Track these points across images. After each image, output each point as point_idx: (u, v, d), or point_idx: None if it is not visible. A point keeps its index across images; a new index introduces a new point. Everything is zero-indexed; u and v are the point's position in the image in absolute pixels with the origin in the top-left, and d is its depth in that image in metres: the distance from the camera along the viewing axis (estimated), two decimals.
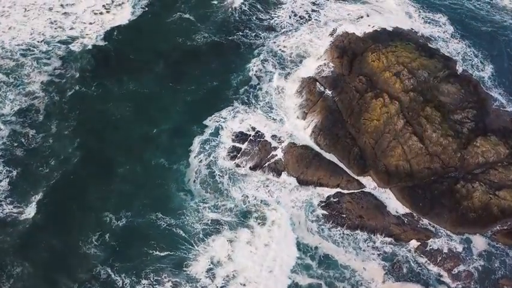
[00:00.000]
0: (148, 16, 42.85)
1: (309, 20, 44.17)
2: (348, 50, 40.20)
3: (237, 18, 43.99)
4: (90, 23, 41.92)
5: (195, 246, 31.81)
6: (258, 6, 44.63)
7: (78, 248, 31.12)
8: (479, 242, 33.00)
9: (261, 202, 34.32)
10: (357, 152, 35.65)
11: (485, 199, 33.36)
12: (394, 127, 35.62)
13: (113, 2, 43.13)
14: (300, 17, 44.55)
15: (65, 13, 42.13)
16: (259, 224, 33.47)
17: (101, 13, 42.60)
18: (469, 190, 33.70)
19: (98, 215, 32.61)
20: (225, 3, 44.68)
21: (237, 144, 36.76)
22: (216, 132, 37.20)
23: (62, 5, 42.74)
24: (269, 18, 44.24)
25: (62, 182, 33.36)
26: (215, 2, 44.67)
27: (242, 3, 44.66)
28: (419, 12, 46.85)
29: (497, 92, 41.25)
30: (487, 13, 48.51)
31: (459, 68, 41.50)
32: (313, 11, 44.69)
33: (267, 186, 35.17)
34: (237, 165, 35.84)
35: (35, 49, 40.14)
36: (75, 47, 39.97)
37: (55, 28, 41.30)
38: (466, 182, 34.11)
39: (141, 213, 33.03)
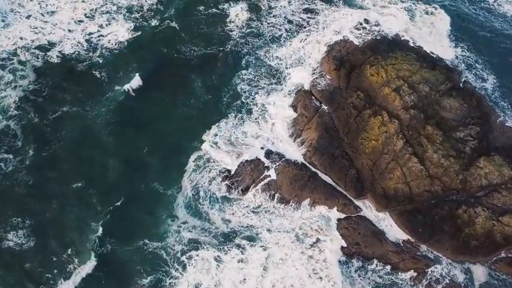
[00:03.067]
0: (136, 27, 40.16)
1: (304, 27, 41.60)
2: (345, 62, 38.01)
3: (230, 27, 41.43)
4: (70, 31, 39.30)
5: (176, 272, 30.57)
6: (250, 14, 41.93)
7: (56, 276, 29.66)
8: (481, 272, 31.59)
9: (252, 226, 32.70)
10: (354, 174, 33.83)
11: (488, 225, 31.79)
12: (393, 147, 33.79)
13: (96, 10, 40.37)
14: (294, 24, 41.92)
15: (45, 21, 39.51)
16: (250, 247, 31.90)
17: (81, 21, 39.91)
18: (471, 216, 32.12)
19: (81, 241, 31.04)
20: (216, 12, 42.10)
21: (229, 164, 34.81)
22: (207, 152, 35.22)
23: (42, 14, 40.11)
24: (262, 27, 41.66)
25: (43, 206, 31.72)
26: (202, 10, 42.02)
27: (234, 12, 42.12)
28: (420, 16, 44.55)
29: (501, 105, 39.45)
30: (485, 19, 46.33)
31: (462, 79, 39.51)
32: (308, 18, 42.06)
33: (258, 209, 33.47)
34: (228, 187, 34.07)
35: (14, 58, 37.77)
36: (54, 58, 37.45)
37: (34, 37, 38.71)
38: (468, 206, 32.49)
39: (126, 240, 31.49)
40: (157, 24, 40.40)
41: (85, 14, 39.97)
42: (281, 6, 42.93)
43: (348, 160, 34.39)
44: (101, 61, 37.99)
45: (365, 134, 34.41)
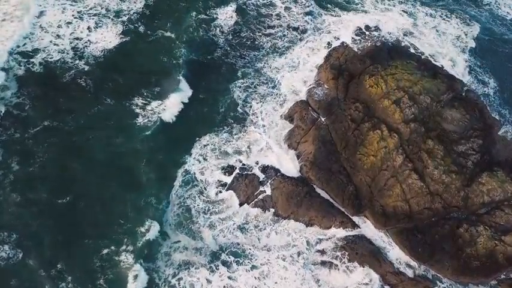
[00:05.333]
0: (124, 32, 37.99)
1: (302, 34, 39.80)
2: (343, 71, 36.43)
3: (223, 34, 39.42)
4: (58, 35, 37.20)
5: None
6: (246, 21, 39.90)
7: None
8: None
9: (244, 244, 31.48)
10: (351, 191, 32.55)
11: (490, 245, 30.78)
12: (392, 163, 32.51)
13: (83, 16, 38.29)
14: (291, 30, 40.07)
15: (33, 24, 37.35)
16: (243, 266, 30.79)
17: (70, 23, 37.80)
18: (473, 235, 31.07)
19: (70, 257, 29.58)
20: (208, 18, 40.10)
21: (222, 178, 33.55)
22: (200, 164, 33.71)
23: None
24: (258, 34, 39.75)
25: (28, 220, 30.07)
26: (194, 16, 39.84)
27: (229, 18, 40.07)
28: (422, 20, 42.97)
29: (504, 114, 38.22)
30: (485, 22, 44.80)
31: (464, 87, 38.13)
32: (306, 23, 40.25)
33: (252, 226, 32.23)
34: (221, 203, 32.75)
35: None
36: (37, 66, 35.24)
37: (18, 43, 36.70)
38: (469, 225, 31.42)
39: (116, 259, 30.12)
40: (145, 29, 38.30)
41: (73, 15, 37.67)
42: (278, 12, 40.98)
43: (346, 176, 33.09)
44: (87, 69, 35.80)
45: (363, 149, 33.05)
